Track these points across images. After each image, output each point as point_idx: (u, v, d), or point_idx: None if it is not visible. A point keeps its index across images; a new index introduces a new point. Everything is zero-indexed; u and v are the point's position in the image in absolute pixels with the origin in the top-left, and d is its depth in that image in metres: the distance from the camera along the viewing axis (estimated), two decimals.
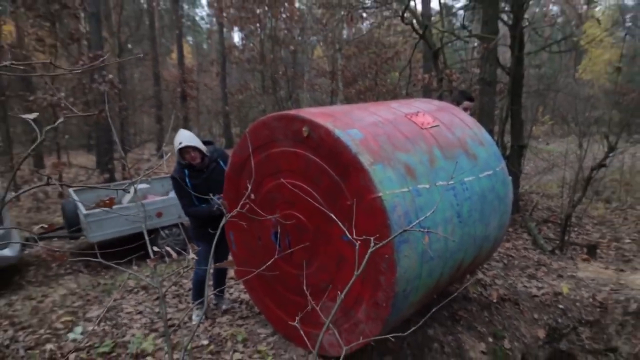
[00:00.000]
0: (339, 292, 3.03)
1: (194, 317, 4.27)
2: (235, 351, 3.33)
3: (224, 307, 4.40)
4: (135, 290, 5.13)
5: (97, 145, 10.85)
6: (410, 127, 3.48)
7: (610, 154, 5.60)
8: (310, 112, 3.27)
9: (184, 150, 3.83)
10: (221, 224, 2.30)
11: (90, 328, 4.12)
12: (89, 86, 9.03)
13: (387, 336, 1.97)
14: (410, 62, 7.56)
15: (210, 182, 3.90)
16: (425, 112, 3.90)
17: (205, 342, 3.53)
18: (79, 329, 4.06)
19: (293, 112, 3.26)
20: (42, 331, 4.06)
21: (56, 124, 1.41)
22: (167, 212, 6.96)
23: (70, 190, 7.64)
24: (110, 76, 9.18)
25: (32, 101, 8.59)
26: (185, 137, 3.85)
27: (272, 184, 3.39)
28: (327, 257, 3.16)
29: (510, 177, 4.08)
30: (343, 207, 2.95)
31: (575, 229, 7.90)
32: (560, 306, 4.45)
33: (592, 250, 5.81)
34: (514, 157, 8.14)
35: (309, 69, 17.86)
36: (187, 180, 3.84)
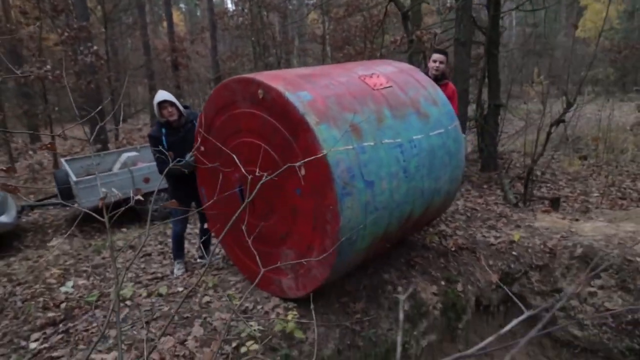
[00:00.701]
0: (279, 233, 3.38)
1: (175, 270, 4.64)
2: (205, 295, 3.71)
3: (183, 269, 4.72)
4: (124, 249, 5.52)
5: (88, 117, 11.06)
6: (361, 88, 3.72)
7: (570, 110, 5.84)
8: (267, 75, 3.52)
9: (161, 106, 4.10)
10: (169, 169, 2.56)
11: (80, 282, 4.51)
12: (75, 58, 9.19)
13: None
14: (382, 23, 7.65)
15: (186, 142, 4.19)
16: (381, 73, 4.13)
17: (180, 289, 3.91)
18: (70, 283, 4.46)
19: (250, 75, 3.51)
20: (37, 286, 4.45)
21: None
22: (154, 178, 7.28)
23: (62, 159, 7.95)
24: (95, 47, 9.31)
25: (21, 74, 8.76)
26: (162, 94, 4.15)
27: (234, 143, 3.67)
28: (284, 209, 3.48)
29: (463, 135, 4.34)
30: (285, 154, 3.27)
31: (549, 184, 8.21)
32: (514, 253, 4.80)
33: (555, 203, 6.13)
34: (490, 116, 8.38)
35: (299, 34, 17.80)
36: (163, 138, 4.12)
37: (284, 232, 3.56)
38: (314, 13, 19.42)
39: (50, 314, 3.77)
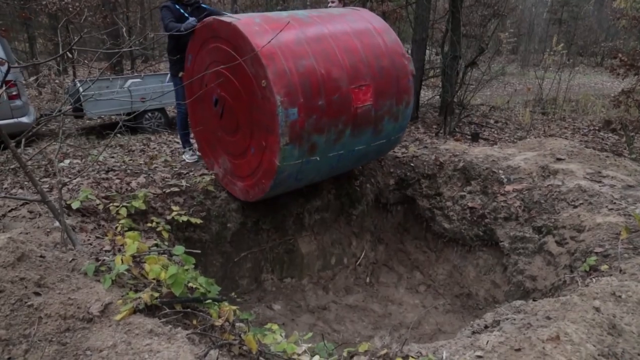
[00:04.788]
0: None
1: (187, 157, 5.46)
2: (155, 165, 5.07)
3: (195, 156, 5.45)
4: (115, 146, 6.97)
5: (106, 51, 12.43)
6: (345, 102, 3.99)
7: (480, 55, 6.82)
8: (273, 69, 3.61)
9: None
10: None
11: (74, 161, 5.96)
12: None
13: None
14: None
15: (193, 15, 4.92)
16: (372, 81, 4.16)
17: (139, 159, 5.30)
18: (67, 161, 5.92)
19: (265, 50, 3.58)
20: (43, 162, 5.91)
21: None
22: (149, 97, 8.64)
23: (76, 79, 9.39)
24: None
25: (44, 5, 10.13)
26: None
27: (222, 70, 3.94)
28: (242, 142, 4.30)
29: (399, 137, 5.06)
30: (259, 124, 3.91)
31: (493, 129, 9.23)
32: (412, 164, 6.00)
33: (475, 137, 7.19)
34: (449, 66, 9.35)
35: None
36: (178, 8, 4.90)
37: (238, 153, 4.47)
38: None
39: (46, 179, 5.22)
